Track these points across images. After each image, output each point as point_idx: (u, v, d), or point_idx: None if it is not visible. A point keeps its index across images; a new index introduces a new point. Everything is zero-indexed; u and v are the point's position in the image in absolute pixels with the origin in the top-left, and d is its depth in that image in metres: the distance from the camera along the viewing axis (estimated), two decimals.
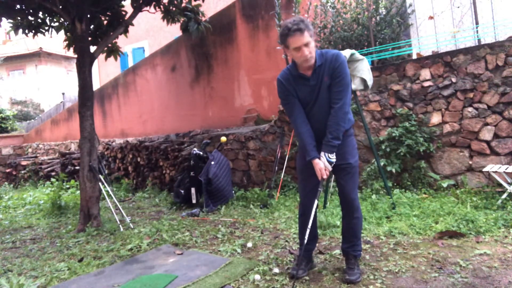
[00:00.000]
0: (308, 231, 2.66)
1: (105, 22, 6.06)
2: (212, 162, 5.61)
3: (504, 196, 3.92)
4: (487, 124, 4.40)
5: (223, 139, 6.19)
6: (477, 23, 4.87)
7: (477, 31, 4.90)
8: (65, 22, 5.97)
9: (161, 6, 6.18)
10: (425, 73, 4.79)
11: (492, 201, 4.00)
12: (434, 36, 5.44)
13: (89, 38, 5.55)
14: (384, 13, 5.63)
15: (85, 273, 3.37)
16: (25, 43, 22.50)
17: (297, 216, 3.02)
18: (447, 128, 4.64)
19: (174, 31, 10.51)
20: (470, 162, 4.52)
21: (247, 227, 4.39)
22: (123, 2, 6.07)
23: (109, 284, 3.07)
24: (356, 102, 4.35)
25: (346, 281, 2.68)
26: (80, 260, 3.72)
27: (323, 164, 2.60)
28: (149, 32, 14.64)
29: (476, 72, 4.45)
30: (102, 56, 6.31)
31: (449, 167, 4.65)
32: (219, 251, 3.63)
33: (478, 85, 4.43)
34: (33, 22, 5.82)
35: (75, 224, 5.22)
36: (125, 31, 5.91)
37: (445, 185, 4.50)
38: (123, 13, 5.98)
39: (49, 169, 9.90)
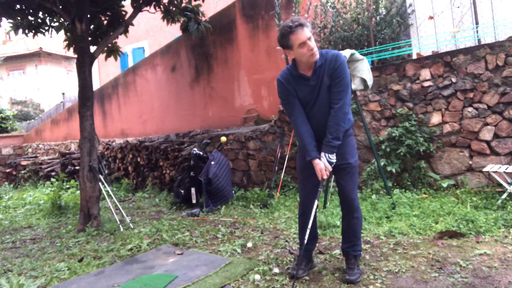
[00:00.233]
0: (308, 231, 2.66)
1: (105, 22, 6.06)
2: (212, 162, 5.61)
3: (504, 196, 3.92)
4: (487, 124, 4.40)
5: (223, 139, 6.19)
6: (477, 23, 4.87)
7: (477, 31, 4.90)
8: (65, 22, 5.97)
9: (161, 6, 6.18)
10: (425, 73, 4.79)
11: (492, 201, 4.00)
12: (434, 36, 5.44)
13: (89, 38, 5.54)
14: (384, 13, 5.63)
15: (85, 273, 3.37)
16: (25, 43, 22.49)
17: (297, 216, 3.02)
18: (447, 128, 4.64)
19: (174, 31, 10.51)
20: (470, 162, 4.52)
21: (247, 227, 4.39)
22: (123, 2, 6.08)
23: (109, 284, 3.07)
24: (356, 102, 4.35)
25: (346, 281, 2.68)
26: (80, 260, 3.72)
27: (323, 164, 2.60)
28: (149, 32, 14.64)
29: (476, 72, 4.45)
30: (102, 56, 6.31)
31: (449, 167, 4.65)
32: (219, 251, 3.63)
33: (478, 85, 4.43)
34: (33, 22, 5.82)
35: (75, 224, 5.22)
36: (125, 31, 5.91)
37: (445, 185, 4.50)
38: (123, 13, 5.98)
39: (49, 169, 9.90)
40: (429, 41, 5.40)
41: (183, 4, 6.26)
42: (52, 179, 8.31)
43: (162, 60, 9.21)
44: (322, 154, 2.61)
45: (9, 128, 15.03)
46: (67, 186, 7.78)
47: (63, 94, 18.72)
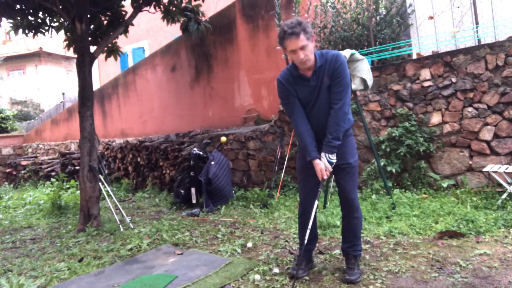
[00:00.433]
0: (308, 231, 2.66)
1: (105, 22, 6.06)
2: (212, 162, 5.61)
3: (504, 196, 3.92)
4: (487, 124, 4.40)
5: (223, 139, 6.19)
6: (477, 23, 4.87)
7: (477, 31, 4.90)
8: (65, 22, 5.97)
9: (161, 6, 6.18)
10: (425, 73, 4.79)
11: (492, 201, 4.00)
12: (434, 36, 5.44)
13: (89, 38, 5.55)
14: (384, 13, 5.63)
15: (85, 273, 3.37)
16: (25, 43, 22.51)
17: (297, 216, 3.02)
18: (447, 128, 4.64)
19: (174, 31, 10.50)
20: (470, 162, 4.52)
21: (247, 227, 4.39)
22: (123, 2, 6.08)
23: (109, 284, 3.07)
24: (356, 102, 4.35)
25: (346, 281, 2.68)
26: (80, 260, 3.72)
27: (323, 164, 2.60)
28: (149, 32, 14.64)
29: (476, 72, 4.45)
30: (102, 56, 6.31)
31: (449, 167, 4.65)
32: (219, 251, 3.63)
33: (478, 85, 4.43)
34: (33, 22, 5.82)
35: (75, 224, 5.22)
36: (125, 31, 5.91)
37: (445, 185, 4.50)
38: (123, 13, 5.98)
39: (49, 169, 9.90)
40: (429, 41, 5.40)
41: (183, 4, 6.27)
42: (52, 179, 8.31)
43: (162, 60, 9.21)
44: (322, 154, 2.62)
45: (9, 128, 15.04)
46: (67, 186, 7.78)
47: (63, 94, 18.73)
